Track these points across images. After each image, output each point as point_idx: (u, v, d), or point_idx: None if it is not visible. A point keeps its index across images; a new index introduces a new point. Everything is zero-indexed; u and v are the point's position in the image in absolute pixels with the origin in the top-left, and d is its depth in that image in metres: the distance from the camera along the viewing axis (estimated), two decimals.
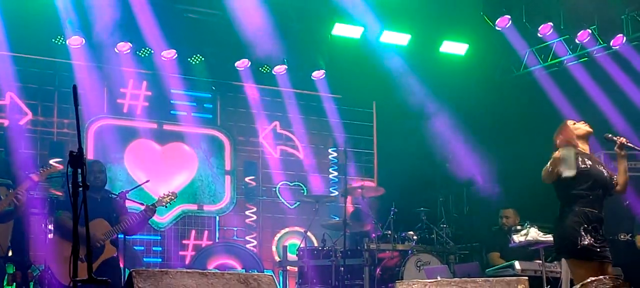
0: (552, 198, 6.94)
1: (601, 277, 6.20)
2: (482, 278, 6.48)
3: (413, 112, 12.51)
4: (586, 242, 6.40)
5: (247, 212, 12.60)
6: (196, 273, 5.26)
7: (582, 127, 6.80)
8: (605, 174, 6.66)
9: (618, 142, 6.71)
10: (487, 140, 12.53)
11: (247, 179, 12.68)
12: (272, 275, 5.50)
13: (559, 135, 6.85)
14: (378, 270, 10.35)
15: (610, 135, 6.83)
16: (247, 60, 12.08)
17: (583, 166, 6.55)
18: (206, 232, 12.32)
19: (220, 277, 5.26)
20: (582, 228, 6.43)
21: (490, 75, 13.13)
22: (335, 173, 13.27)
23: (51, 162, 10.80)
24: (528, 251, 9.16)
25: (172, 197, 9.13)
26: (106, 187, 9.09)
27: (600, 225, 6.54)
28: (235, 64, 12.16)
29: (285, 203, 12.93)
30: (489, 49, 12.67)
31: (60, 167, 9.20)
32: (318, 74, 12.59)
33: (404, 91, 12.39)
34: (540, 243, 8.40)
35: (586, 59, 12.05)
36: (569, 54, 12.19)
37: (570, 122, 6.87)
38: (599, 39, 11.70)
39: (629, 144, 6.72)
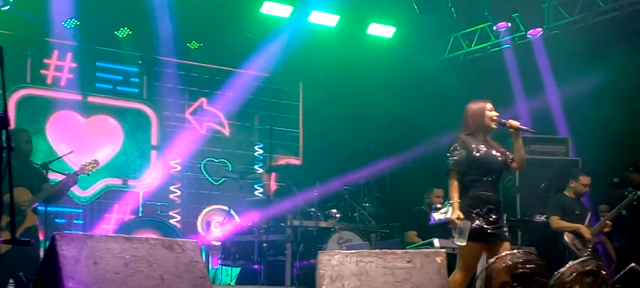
0: None
1: (515, 251, 6.54)
2: (402, 250, 6.64)
3: (340, 93, 12.68)
4: (475, 224, 6.69)
5: (171, 187, 12.60)
6: (121, 237, 5.30)
7: (492, 120, 6.97)
8: (499, 159, 6.93)
9: (507, 124, 6.98)
10: (412, 123, 12.75)
11: (172, 154, 12.64)
12: (196, 242, 5.57)
13: (472, 112, 7.07)
14: (301, 246, 10.40)
15: (502, 121, 7.03)
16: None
17: (476, 154, 6.84)
18: (129, 207, 12.26)
19: (144, 243, 5.32)
20: (474, 212, 6.74)
21: (416, 58, 13.30)
22: (261, 151, 13.33)
23: None
24: (446, 229, 9.21)
25: (95, 165, 9.11)
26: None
27: (496, 207, 6.83)
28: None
29: (210, 179, 12.95)
30: (416, 33, 12.86)
31: None
32: (245, 51, 12.60)
33: (331, 72, 12.55)
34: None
35: (508, 46, 12.35)
36: (492, 40, 12.48)
37: (488, 107, 7.04)
38: (521, 27, 12.00)
39: (519, 127, 6.97)
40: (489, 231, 6.74)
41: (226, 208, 11.77)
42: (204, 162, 12.97)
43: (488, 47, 12.64)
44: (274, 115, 13.10)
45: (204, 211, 12.72)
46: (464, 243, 6.61)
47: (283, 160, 12.90)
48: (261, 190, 12.84)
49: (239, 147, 13.25)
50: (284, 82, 13.50)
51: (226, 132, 13.24)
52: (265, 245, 10.36)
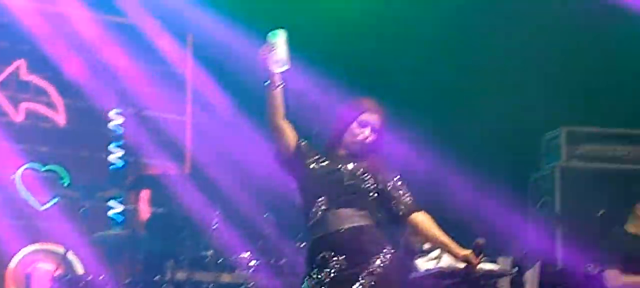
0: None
1: None
2: None
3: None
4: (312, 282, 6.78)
5: None
6: None
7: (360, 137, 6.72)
8: (354, 181, 6.64)
9: None
10: None
11: None
12: None
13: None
14: None
15: None
16: None
17: (313, 166, 6.72)
18: None
19: None
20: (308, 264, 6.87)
21: None
22: (121, 152, 12.88)
23: None
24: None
25: None
26: None
27: (338, 252, 6.59)
28: None
29: (32, 200, 12.44)
30: None
31: None
32: None
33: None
34: (457, 274, 8.79)
35: None
36: None
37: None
38: None
39: None
40: None
41: (61, 249, 11.33)
42: (21, 170, 12.47)
43: None
44: (146, 91, 12.90)
45: (21, 254, 12.19)
46: (287, 66, 6.53)
47: (159, 169, 12.52)
48: (121, 218, 12.44)
49: (83, 146, 12.78)
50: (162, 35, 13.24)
51: (61, 118, 12.77)
52: None
